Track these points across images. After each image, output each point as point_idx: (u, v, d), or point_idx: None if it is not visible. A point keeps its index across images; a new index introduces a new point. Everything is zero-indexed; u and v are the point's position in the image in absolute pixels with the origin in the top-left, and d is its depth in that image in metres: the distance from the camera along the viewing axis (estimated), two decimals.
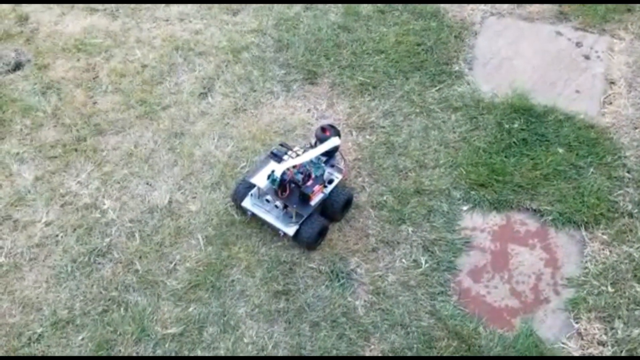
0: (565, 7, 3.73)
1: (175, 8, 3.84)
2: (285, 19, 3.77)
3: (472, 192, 2.90)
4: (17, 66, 3.53)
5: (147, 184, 2.97)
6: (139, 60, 3.54)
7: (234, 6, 3.84)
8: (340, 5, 3.84)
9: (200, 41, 3.64)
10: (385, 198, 2.90)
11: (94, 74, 3.48)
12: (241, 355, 2.41)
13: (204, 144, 3.12)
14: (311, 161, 2.68)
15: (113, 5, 3.85)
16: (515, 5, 3.79)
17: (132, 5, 3.85)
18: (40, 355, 2.42)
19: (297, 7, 3.84)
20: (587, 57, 3.46)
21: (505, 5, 3.80)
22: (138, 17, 3.79)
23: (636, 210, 2.76)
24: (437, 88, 3.36)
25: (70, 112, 3.28)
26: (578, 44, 3.53)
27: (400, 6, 3.82)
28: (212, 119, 3.24)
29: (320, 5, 3.84)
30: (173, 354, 2.42)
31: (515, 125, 3.14)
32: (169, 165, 3.03)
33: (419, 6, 3.80)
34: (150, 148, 3.11)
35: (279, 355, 2.42)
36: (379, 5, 3.82)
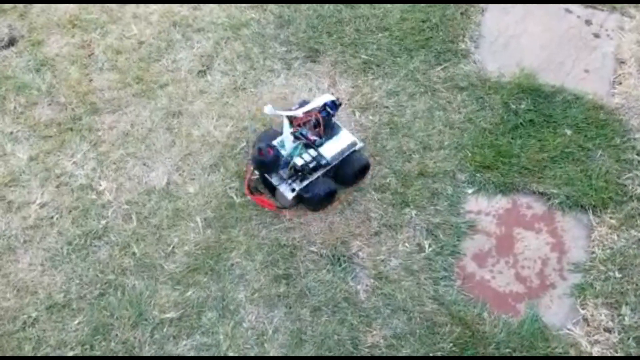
0: None
1: None
2: None
3: (478, 175, 2.84)
4: (11, 42, 3.43)
5: (144, 164, 2.90)
6: (136, 36, 3.44)
7: None
8: None
9: (198, 17, 3.53)
10: (388, 180, 2.83)
11: (89, 51, 3.38)
12: (240, 340, 2.37)
13: (202, 123, 3.04)
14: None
15: None
16: None
17: None
18: (35, 338, 2.38)
19: None
20: (596, 36, 3.35)
21: None
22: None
23: None
24: (443, 67, 3.27)
25: (65, 90, 3.20)
26: (587, 22, 3.43)
27: None
28: (211, 98, 3.15)
29: None
30: (171, 339, 2.38)
31: (522, 106, 3.06)
32: (167, 146, 2.96)
33: None
34: (147, 127, 3.03)
35: (279, 340, 2.38)
36: None
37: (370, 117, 3.09)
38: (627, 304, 2.41)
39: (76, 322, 2.42)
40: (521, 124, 3.00)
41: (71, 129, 3.04)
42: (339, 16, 3.53)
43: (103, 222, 2.69)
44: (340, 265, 2.56)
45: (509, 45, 3.35)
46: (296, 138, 2.69)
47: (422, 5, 3.55)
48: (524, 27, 3.43)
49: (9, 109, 3.11)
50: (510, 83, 3.15)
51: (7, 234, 2.66)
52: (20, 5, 3.61)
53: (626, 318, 2.37)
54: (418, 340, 2.38)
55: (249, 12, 3.56)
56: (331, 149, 2.69)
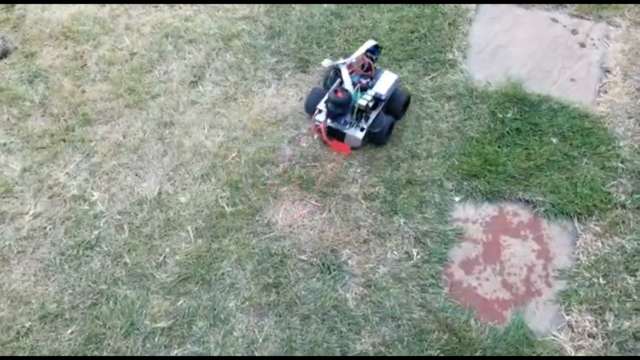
0: None
1: None
2: (277, 6, 3.70)
3: (465, 183, 2.88)
4: (4, 54, 3.47)
5: (136, 175, 2.94)
6: (128, 47, 3.48)
7: None
8: None
9: (190, 28, 3.58)
10: (377, 189, 2.87)
11: (82, 62, 3.42)
12: (231, 348, 2.40)
13: (194, 133, 3.08)
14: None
15: None
16: None
17: None
18: (29, 347, 2.41)
19: None
20: (582, 45, 3.41)
21: None
22: (127, 4, 3.72)
23: (629, 202, 2.74)
24: (431, 77, 3.32)
25: (58, 102, 3.24)
26: (574, 31, 3.48)
27: None
28: (203, 108, 3.19)
29: None
30: (162, 348, 2.41)
31: (509, 115, 3.10)
32: (159, 156, 3.00)
33: None
34: (139, 138, 3.07)
35: (270, 348, 2.41)
36: None
37: None
38: (610, 310, 2.45)
39: (69, 331, 2.45)
40: (508, 132, 3.05)
41: (64, 140, 3.08)
42: (329, 27, 3.58)
43: (95, 232, 2.72)
44: (329, 274, 2.60)
45: (497, 55, 3.41)
46: (353, 84, 2.97)
47: (411, 15, 3.61)
48: (511, 37, 3.48)
49: (2, 121, 3.15)
50: (497, 92, 3.20)
51: (0, 245, 2.69)
52: (14, 17, 3.65)
53: (610, 324, 2.41)
54: (406, 347, 2.41)
55: (240, 23, 3.61)
56: (382, 87, 2.99)
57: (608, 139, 2.98)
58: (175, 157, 2.98)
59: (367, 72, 3.04)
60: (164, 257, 2.64)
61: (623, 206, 2.74)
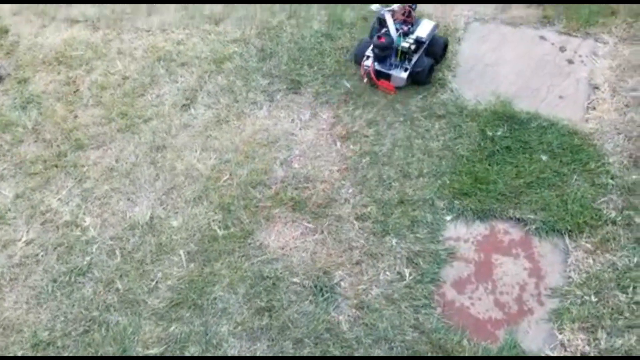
0: (549, 11, 3.72)
1: (157, 18, 3.81)
2: (269, 28, 3.74)
3: (456, 202, 2.89)
4: None
5: (128, 199, 2.95)
6: (120, 72, 3.51)
7: (217, 15, 3.82)
8: (323, 12, 3.82)
9: (182, 52, 3.61)
10: (369, 209, 2.88)
11: (74, 87, 3.45)
12: None
13: (186, 157, 3.10)
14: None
15: (94, 16, 3.82)
16: (499, 9, 3.77)
17: (113, 16, 3.82)
18: None
19: (281, 16, 3.81)
20: (570, 62, 3.44)
21: (489, 11, 3.78)
22: (119, 28, 3.76)
23: (620, 218, 2.75)
24: (422, 95, 3.34)
25: (50, 127, 3.26)
26: (562, 49, 3.52)
27: None
28: (195, 131, 3.21)
29: (303, 13, 3.82)
30: None
31: (499, 133, 3.12)
32: (151, 180, 3.01)
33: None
34: (131, 162, 3.09)
35: None
36: (362, 11, 3.80)
37: (351, 147, 3.15)
38: (602, 328, 2.44)
39: None
40: (498, 150, 3.06)
41: (56, 166, 3.09)
42: (319, 48, 3.61)
43: (87, 258, 2.72)
44: (322, 296, 2.59)
45: (485, 74, 3.44)
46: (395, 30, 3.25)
47: None
48: (499, 55, 3.52)
49: None
50: (487, 110, 3.22)
51: None
52: (7, 43, 3.69)
53: (602, 342, 2.41)
54: None
55: (232, 46, 3.65)
56: (423, 32, 3.27)
57: (597, 155, 3.00)
58: (168, 181, 3.00)
59: (408, 19, 3.29)
60: (156, 282, 2.64)
61: (614, 223, 2.75)
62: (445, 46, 3.41)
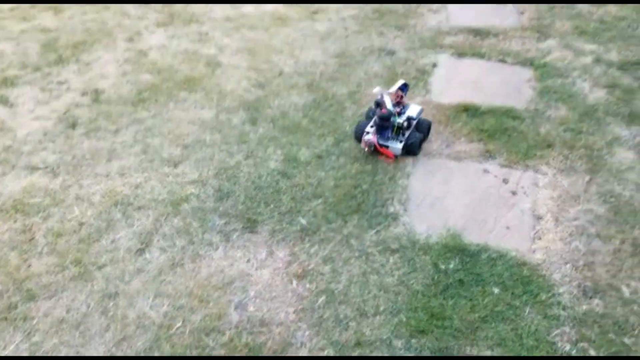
0: (490, 146, 3.96)
1: (116, 163, 3.92)
2: (226, 168, 3.87)
3: (413, 341, 2.87)
4: None
5: (77, 352, 2.84)
6: (77, 218, 3.54)
7: (176, 158, 3.95)
8: (280, 152, 3.99)
9: (140, 195, 3.68)
10: (326, 352, 2.83)
11: (30, 235, 3.44)
12: None
13: (138, 304, 3.05)
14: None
15: (55, 162, 3.92)
16: (444, 145, 4.00)
17: (74, 162, 3.92)
18: None
19: (239, 156, 3.96)
20: (514, 193, 3.61)
21: (435, 147, 4.00)
22: (78, 174, 3.84)
23: (574, 351, 2.75)
24: (375, 230, 3.43)
25: (3, 277, 3.20)
26: (505, 180, 3.70)
27: (337, 150, 3.99)
28: (148, 277, 3.19)
29: (260, 154, 3.98)
30: None
31: (451, 266, 3.19)
32: (101, 331, 2.93)
33: (355, 150, 3.98)
34: (82, 312, 3.02)
35: None
36: (316, 150, 3.99)
37: (308, 285, 3.15)
38: None
39: None
40: (451, 283, 3.10)
41: (6, 319, 3.00)
42: (276, 186, 3.73)
43: None
44: None
45: (435, 206, 3.57)
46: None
47: (353, 172, 3.80)
48: (447, 189, 3.68)
49: None
50: (438, 244, 3.31)
51: None
52: None
53: None
54: None
55: (189, 187, 3.74)
56: (412, 112, 3.96)
57: (547, 286, 3.06)
58: (118, 331, 2.92)
59: (399, 103, 3.99)
60: None
61: (569, 356, 2.74)
62: (429, 126, 4.05)
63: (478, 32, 5.23)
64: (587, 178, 3.68)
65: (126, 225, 3.49)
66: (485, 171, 3.78)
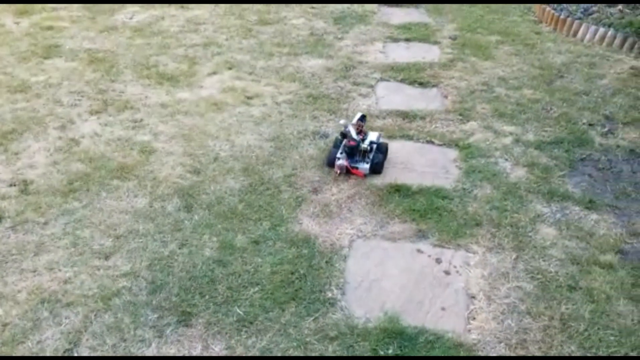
0: (423, 225, 4.08)
1: (44, 257, 3.76)
2: (160, 259, 3.79)
3: None
4: None
5: None
6: (1, 319, 3.34)
7: (107, 250, 3.84)
8: (215, 239, 3.95)
9: (69, 291, 3.53)
10: None
11: None
12: None
13: None
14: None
15: None
16: (379, 226, 4.10)
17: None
18: None
19: (173, 245, 3.90)
20: (447, 273, 3.70)
21: (370, 227, 4.09)
22: (3, 271, 3.66)
23: None
24: (313, 317, 3.40)
25: None
26: (438, 260, 3.80)
27: (273, 235, 4.00)
28: None
29: (195, 242, 3.93)
30: None
31: (390, 351, 3.19)
32: None
33: (292, 234, 4.01)
34: None
35: None
36: (252, 236, 3.98)
37: None
38: None
39: None
40: None
41: None
42: (211, 275, 3.67)
43: None
44: None
45: (372, 290, 3.60)
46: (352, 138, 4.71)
47: (290, 257, 3.81)
48: (383, 270, 3.73)
49: None
50: (377, 328, 3.32)
51: None
52: None
53: None
54: None
55: (121, 280, 3.62)
56: (373, 137, 4.80)
57: None
58: None
59: (360, 131, 4.78)
60: None
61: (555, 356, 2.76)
62: (387, 148, 4.85)
63: (406, 115, 5.49)
64: (514, 255, 3.84)
65: (53, 324, 3.31)
66: (419, 251, 3.88)
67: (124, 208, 4.21)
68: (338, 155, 4.68)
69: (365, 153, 4.70)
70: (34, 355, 3.14)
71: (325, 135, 5.18)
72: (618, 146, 5.06)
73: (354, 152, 4.66)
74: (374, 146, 4.76)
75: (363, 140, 4.72)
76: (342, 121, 4.76)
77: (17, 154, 4.73)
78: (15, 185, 4.37)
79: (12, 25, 7.15)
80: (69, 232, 3.97)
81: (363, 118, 4.83)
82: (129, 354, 3.16)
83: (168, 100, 5.61)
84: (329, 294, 3.56)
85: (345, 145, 4.66)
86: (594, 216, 4.25)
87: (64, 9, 7.66)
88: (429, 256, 3.84)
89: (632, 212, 4.28)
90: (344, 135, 4.68)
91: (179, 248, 3.89)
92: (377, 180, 4.58)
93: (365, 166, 4.64)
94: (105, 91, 5.73)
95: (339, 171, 4.62)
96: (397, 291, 3.58)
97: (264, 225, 4.11)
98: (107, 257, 3.80)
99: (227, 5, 7.93)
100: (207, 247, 3.91)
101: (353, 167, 4.63)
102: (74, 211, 4.15)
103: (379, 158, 4.69)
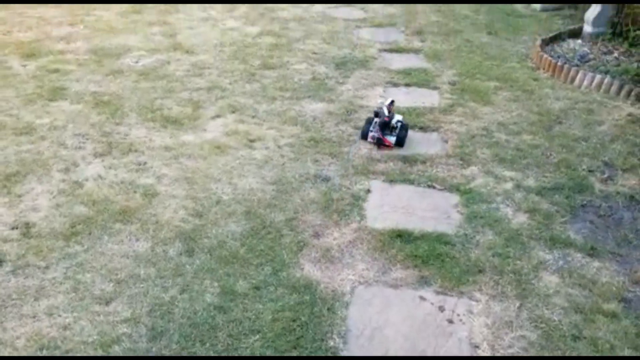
0: (425, 272, 4.07)
1: (44, 302, 3.74)
2: (160, 304, 3.76)
3: None
4: None
5: None
6: None
7: (107, 295, 3.81)
8: (216, 284, 3.93)
9: (68, 337, 3.50)
10: None
11: None
12: None
13: None
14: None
15: None
16: (381, 272, 4.08)
17: None
18: None
19: (173, 291, 3.88)
20: (450, 321, 3.68)
21: (372, 273, 4.08)
22: (2, 316, 3.63)
23: None
24: None
25: None
26: (441, 308, 3.78)
27: (275, 281, 3.98)
28: None
29: (196, 287, 3.91)
30: None
31: None
32: None
33: (293, 280, 3.99)
34: None
35: None
36: (254, 281, 3.96)
37: None
38: None
39: None
40: None
41: None
42: (212, 322, 3.64)
43: None
44: None
45: (374, 338, 3.57)
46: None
47: (292, 303, 3.78)
48: (386, 318, 3.70)
49: None
50: None
51: None
52: None
53: None
54: None
55: (121, 326, 3.59)
56: (399, 117, 5.92)
57: None
58: None
59: (389, 111, 5.87)
60: None
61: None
62: (408, 127, 5.97)
63: (407, 159, 5.53)
64: (517, 304, 3.82)
65: None
66: (422, 298, 3.85)
67: (125, 252, 4.21)
68: (371, 128, 5.83)
69: (393, 129, 5.82)
70: None
71: (326, 179, 5.21)
72: (618, 193, 5.09)
73: (384, 127, 5.79)
74: (399, 124, 5.86)
75: (391, 118, 5.82)
76: (380, 102, 6.39)
77: (21, 196, 4.74)
78: (17, 228, 4.37)
79: (19, 68, 7.27)
80: (70, 276, 3.95)
81: (392, 102, 5.96)
82: None
83: (172, 143, 5.67)
84: (331, 343, 3.52)
85: (380, 120, 5.79)
86: (596, 263, 4.24)
87: (70, 53, 7.81)
88: (432, 304, 3.82)
89: (634, 260, 4.28)
90: (377, 114, 5.86)
91: (180, 293, 3.87)
92: (379, 225, 4.59)
93: (392, 139, 5.76)
94: (109, 134, 5.79)
95: (372, 141, 5.81)
96: (400, 340, 3.55)
97: (265, 270, 4.10)
98: (107, 303, 3.77)
99: (232, 50, 8.10)
100: (208, 292, 3.89)
101: (385, 137, 5.78)
102: (75, 255, 4.14)
103: (402, 134, 5.81)
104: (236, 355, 3.41)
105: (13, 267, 4.02)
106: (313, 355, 3.42)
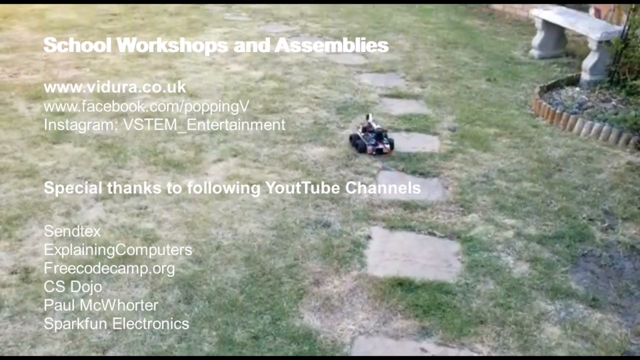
0: (426, 322, 4.03)
1: (41, 350, 3.69)
2: (158, 354, 3.72)
3: None
4: None
5: None
6: None
7: (104, 343, 3.77)
8: (214, 333, 3.89)
9: None
10: None
11: None
12: None
13: None
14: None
15: None
16: (381, 322, 4.04)
17: None
18: None
19: (171, 339, 3.84)
20: None
21: (372, 323, 4.04)
22: None
23: None
24: None
25: None
26: None
27: (273, 330, 3.94)
28: None
29: (194, 335, 3.87)
30: None
31: None
32: None
33: (292, 329, 3.95)
34: None
35: None
36: (252, 330, 3.92)
37: None
38: None
39: None
40: None
41: None
42: None
43: None
44: None
45: None
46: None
47: (291, 354, 3.75)
48: None
49: None
50: None
51: None
52: None
53: None
54: None
55: None
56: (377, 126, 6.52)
57: None
58: None
59: (370, 125, 6.67)
60: None
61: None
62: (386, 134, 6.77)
63: (407, 206, 5.55)
64: (519, 356, 3.77)
65: None
66: (423, 350, 3.81)
67: (124, 298, 4.18)
68: (367, 141, 6.57)
69: (381, 136, 6.57)
70: None
71: (327, 225, 5.21)
72: (619, 242, 5.09)
73: (380, 137, 6.54)
74: (384, 132, 6.68)
75: (381, 130, 6.69)
76: (369, 117, 6.90)
77: (21, 240, 4.74)
78: (16, 273, 4.36)
79: (24, 110, 7.36)
80: (68, 323, 3.92)
81: (368, 116, 6.87)
82: None
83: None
84: None
85: (375, 132, 6.58)
86: (598, 315, 4.20)
87: (76, 95, 7.93)
88: (433, 356, 3.76)
89: (636, 312, 4.25)
90: (365, 129, 6.67)
91: (178, 342, 3.83)
92: (380, 273, 4.57)
93: (387, 145, 6.53)
94: (112, 177, 5.82)
95: (374, 152, 6.47)
96: None
97: (264, 319, 4.06)
98: (104, 351, 3.73)
99: (235, 94, 8.22)
100: (205, 341, 3.84)
101: (384, 145, 6.52)
102: (73, 301, 4.12)
103: (390, 140, 6.62)
104: None
105: (11, 312, 3.99)
106: None
